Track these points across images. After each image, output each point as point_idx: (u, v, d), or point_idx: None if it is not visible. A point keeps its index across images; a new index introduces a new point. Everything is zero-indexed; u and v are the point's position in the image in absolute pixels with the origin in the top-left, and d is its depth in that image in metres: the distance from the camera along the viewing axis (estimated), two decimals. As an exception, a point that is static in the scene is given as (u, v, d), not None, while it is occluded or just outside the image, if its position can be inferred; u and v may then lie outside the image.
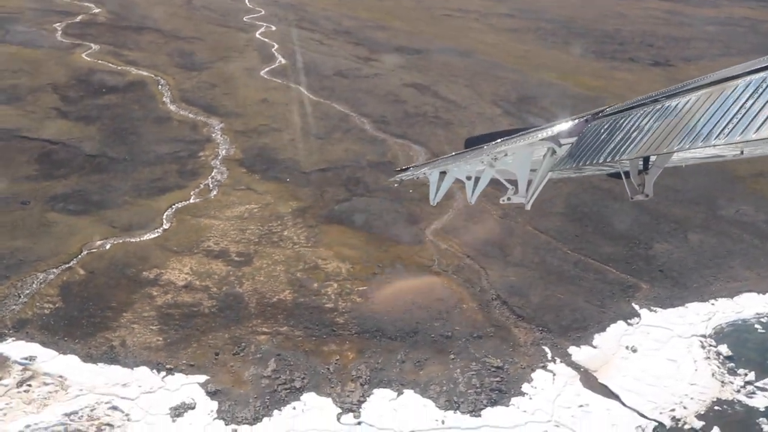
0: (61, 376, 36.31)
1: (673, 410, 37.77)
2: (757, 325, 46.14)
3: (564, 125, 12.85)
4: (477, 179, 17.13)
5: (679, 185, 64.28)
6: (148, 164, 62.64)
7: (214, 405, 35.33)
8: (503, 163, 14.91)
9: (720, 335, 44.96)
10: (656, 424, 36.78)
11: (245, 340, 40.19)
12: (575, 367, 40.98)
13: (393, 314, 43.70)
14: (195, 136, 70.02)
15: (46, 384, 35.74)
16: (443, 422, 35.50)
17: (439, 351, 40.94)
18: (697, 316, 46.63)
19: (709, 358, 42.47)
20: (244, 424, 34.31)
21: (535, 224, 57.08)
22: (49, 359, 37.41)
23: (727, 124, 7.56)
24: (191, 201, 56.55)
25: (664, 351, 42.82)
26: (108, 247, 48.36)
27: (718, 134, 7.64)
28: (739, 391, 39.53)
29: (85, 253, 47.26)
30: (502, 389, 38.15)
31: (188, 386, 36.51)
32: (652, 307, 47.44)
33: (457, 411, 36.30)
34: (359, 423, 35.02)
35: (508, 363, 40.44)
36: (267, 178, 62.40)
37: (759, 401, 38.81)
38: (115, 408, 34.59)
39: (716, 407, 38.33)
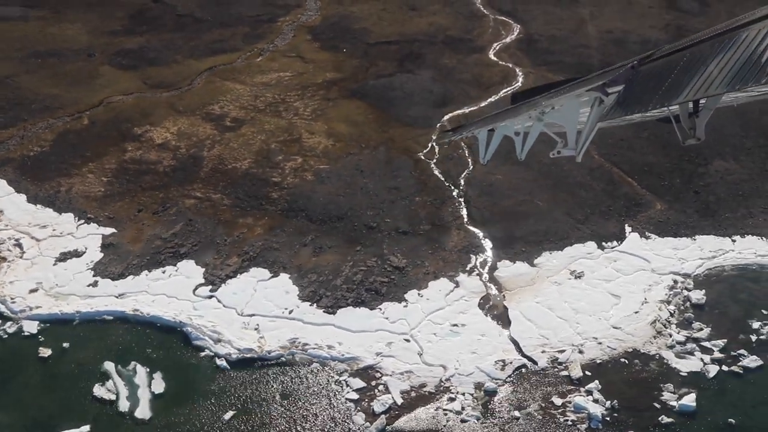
0: (0, 211, 40.42)
1: (561, 351, 31.34)
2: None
3: (610, 74, 12.50)
4: (526, 134, 17.42)
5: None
6: (224, 26, 63.88)
7: (99, 256, 36.90)
8: (551, 117, 15.07)
9: (711, 279, 35.66)
10: (525, 362, 30.98)
11: (172, 202, 40.80)
12: (491, 282, 35.57)
13: (331, 196, 41.13)
14: (288, 1, 69.47)
15: (-17, 215, 40.13)
16: (290, 312, 33.43)
17: (350, 241, 37.94)
18: (698, 252, 37.31)
19: (667, 302, 34.11)
20: (107, 278, 35.54)
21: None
22: (3, 195, 41.64)
23: None
24: (233, 64, 57.08)
25: (614, 284, 35.23)
26: (125, 101, 51.26)
27: None
28: (672, 347, 31.42)
29: (102, 105, 50.64)
30: (380, 291, 34.55)
31: (93, 236, 38.44)
32: (647, 233, 38.89)
33: (315, 304, 33.89)
34: (210, 297, 34.39)
35: (413, 265, 36.34)
36: (326, 47, 60.41)
37: (688, 364, 30.50)
38: (19, 246, 37.83)
39: (623, 359, 30.97)
